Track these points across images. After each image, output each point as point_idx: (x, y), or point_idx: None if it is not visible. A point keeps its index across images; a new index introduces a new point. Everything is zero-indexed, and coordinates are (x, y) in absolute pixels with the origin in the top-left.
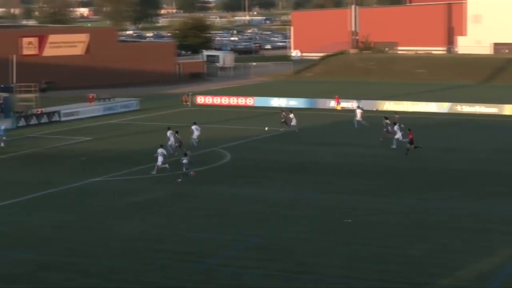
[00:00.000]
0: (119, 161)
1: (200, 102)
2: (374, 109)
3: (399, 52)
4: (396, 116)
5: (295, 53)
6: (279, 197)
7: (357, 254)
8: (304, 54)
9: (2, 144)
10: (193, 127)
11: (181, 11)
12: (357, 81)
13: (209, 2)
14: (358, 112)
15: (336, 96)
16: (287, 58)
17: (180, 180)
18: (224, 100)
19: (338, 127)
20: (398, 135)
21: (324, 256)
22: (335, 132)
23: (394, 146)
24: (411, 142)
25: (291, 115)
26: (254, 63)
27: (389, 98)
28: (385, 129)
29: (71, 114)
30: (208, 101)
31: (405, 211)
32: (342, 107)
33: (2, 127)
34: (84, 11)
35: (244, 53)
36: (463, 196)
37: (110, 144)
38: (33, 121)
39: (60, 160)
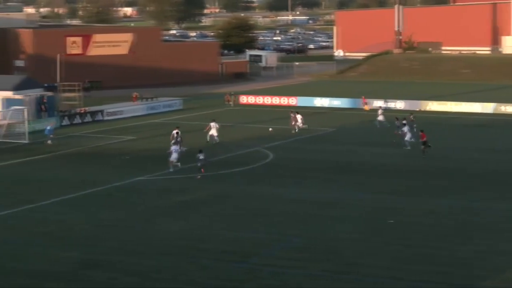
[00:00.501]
0: (162, 160)
1: (243, 102)
2: (418, 109)
3: (444, 52)
4: (411, 116)
5: (338, 53)
6: (321, 197)
7: (400, 255)
8: (347, 54)
9: (50, 142)
10: (211, 124)
11: (225, 10)
12: (401, 81)
13: (253, 2)
14: (380, 112)
15: (363, 97)
16: (330, 58)
17: (199, 176)
18: (267, 100)
19: (377, 127)
20: (408, 136)
21: (367, 256)
22: (374, 132)
23: (408, 148)
24: (424, 143)
25: (298, 116)
26: (297, 63)
27: (433, 98)
28: (399, 131)
29: (115, 113)
30: (251, 101)
31: (451, 212)
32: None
33: (48, 127)
34: (128, 10)
35: (292, 53)
36: (509, 198)
37: (153, 143)
38: (77, 120)
39: (104, 159)
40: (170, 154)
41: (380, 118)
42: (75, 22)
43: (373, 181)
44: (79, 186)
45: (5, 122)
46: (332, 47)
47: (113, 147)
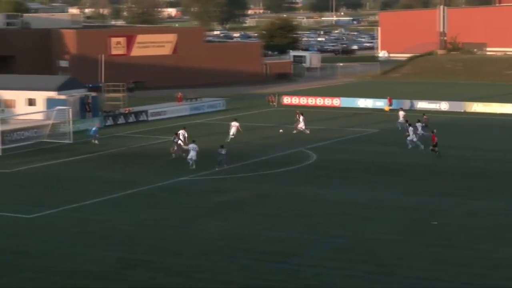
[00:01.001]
0: (205, 160)
1: (286, 103)
2: (462, 111)
3: (488, 53)
4: (424, 117)
5: (382, 53)
6: (363, 198)
7: (441, 256)
8: (391, 54)
9: (96, 142)
10: (232, 123)
11: (268, 11)
12: (444, 82)
13: (296, 3)
14: (401, 114)
15: (389, 97)
16: (374, 58)
17: (219, 168)
18: (311, 101)
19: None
20: (411, 136)
21: (407, 257)
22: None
23: (409, 147)
24: (434, 144)
25: (301, 117)
26: (341, 64)
27: (477, 100)
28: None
29: (158, 113)
30: (295, 102)
31: (494, 213)
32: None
33: (93, 128)
34: (171, 11)
35: (339, 53)
36: None
37: (196, 144)
38: (121, 120)
39: (147, 159)
40: (188, 152)
41: (401, 120)
42: (119, 22)
43: (414, 182)
44: (122, 186)
45: (50, 122)
46: (375, 48)
47: (156, 147)
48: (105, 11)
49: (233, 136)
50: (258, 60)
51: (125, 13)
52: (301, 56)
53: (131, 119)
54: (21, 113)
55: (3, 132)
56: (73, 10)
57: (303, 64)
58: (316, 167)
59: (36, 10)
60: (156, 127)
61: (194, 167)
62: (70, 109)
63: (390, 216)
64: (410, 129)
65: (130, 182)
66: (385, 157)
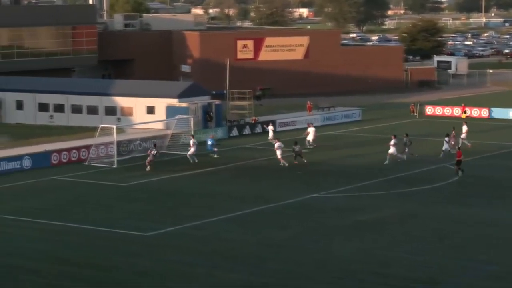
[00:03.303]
0: (339, 175)
1: (429, 113)
2: None
3: None
4: (453, 131)
5: None
6: None
7: None
8: None
9: (216, 156)
10: (269, 127)
11: (410, 12)
12: None
13: (441, 2)
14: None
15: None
16: None
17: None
18: (456, 111)
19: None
20: (395, 153)
21: None
22: None
23: (386, 162)
24: (458, 162)
25: (310, 129)
26: (491, 70)
27: None
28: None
29: (287, 123)
30: (438, 112)
31: None
32: None
33: (209, 142)
34: (303, 12)
35: None
36: None
37: (329, 157)
38: (246, 130)
39: (275, 174)
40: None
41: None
42: (246, 24)
43: None
44: (248, 202)
45: (169, 132)
46: None
47: (285, 160)
48: (231, 11)
49: (311, 142)
50: (399, 66)
51: (252, 14)
52: (446, 62)
53: (258, 129)
54: (139, 122)
55: (119, 142)
56: (197, 11)
57: (448, 71)
58: (462, 184)
59: (156, 10)
60: (285, 138)
61: (197, 160)
62: (192, 118)
63: None
64: (393, 142)
65: (256, 198)
66: None
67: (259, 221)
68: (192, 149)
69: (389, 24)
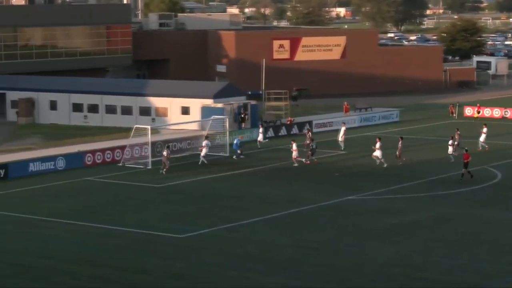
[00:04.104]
0: (376, 177)
1: (468, 114)
2: None
3: None
4: (458, 132)
5: None
6: None
7: None
8: None
9: (235, 157)
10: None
11: (449, 11)
12: None
13: (481, 2)
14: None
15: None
16: None
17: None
18: (496, 113)
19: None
20: (380, 156)
21: None
22: None
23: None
24: (466, 165)
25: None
26: None
27: None
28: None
29: (324, 124)
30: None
31: None
32: None
33: (235, 141)
34: (340, 11)
35: None
36: None
37: (366, 159)
38: (283, 131)
39: (311, 175)
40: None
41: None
42: (282, 23)
43: None
44: (282, 204)
45: (205, 133)
46: None
47: (321, 162)
48: (267, 11)
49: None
50: (438, 66)
51: (289, 13)
52: (486, 62)
53: (294, 130)
54: (173, 123)
55: (153, 143)
56: (232, 10)
57: (488, 71)
58: (502, 187)
59: (191, 10)
60: (322, 139)
61: (206, 162)
62: (227, 119)
63: None
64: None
65: (291, 200)
66: None
67: (294, 223)
68: (204, 150)
69: (427, 23)
